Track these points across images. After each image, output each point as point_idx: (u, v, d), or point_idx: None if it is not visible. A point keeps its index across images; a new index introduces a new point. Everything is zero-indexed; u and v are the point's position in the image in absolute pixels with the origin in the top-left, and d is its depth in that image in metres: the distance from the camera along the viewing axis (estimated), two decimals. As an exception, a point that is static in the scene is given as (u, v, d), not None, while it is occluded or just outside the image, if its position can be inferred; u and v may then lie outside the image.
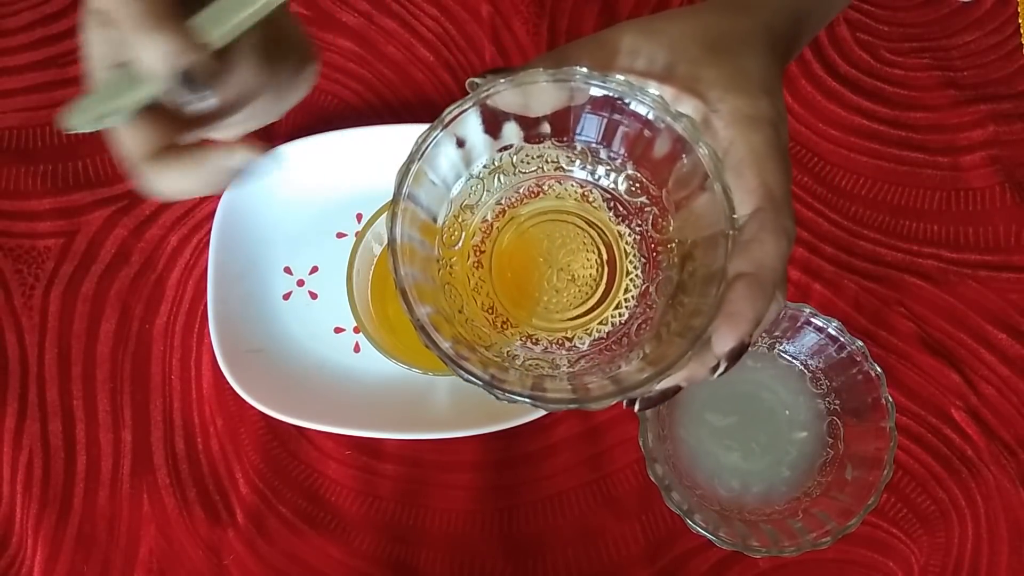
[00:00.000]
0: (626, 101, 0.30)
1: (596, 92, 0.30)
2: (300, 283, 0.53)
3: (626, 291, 0.33)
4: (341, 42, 0.55)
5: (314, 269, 0.53)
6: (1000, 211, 0.52)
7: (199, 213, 0.53)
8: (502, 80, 0.29)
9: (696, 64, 0.31)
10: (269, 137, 0.53)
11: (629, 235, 0.33)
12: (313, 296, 0.53)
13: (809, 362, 0.49)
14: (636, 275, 0.33)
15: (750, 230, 0.29)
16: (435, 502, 0.50)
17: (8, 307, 0.53)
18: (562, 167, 0.33)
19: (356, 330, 0.52)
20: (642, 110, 0.30)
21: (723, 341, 0.28)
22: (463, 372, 0.28)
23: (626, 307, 0.33)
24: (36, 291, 0.53)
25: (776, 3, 0.34)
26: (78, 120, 0.27)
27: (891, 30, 0.55)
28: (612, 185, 0.33)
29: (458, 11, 0.55)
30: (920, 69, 0.54)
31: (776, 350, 0.49)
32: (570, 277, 0.34)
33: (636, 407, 0.31)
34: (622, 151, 0.32)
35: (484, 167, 0.33)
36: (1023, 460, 0.49)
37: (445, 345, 0.29)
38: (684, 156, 0.29)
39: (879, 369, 0.45)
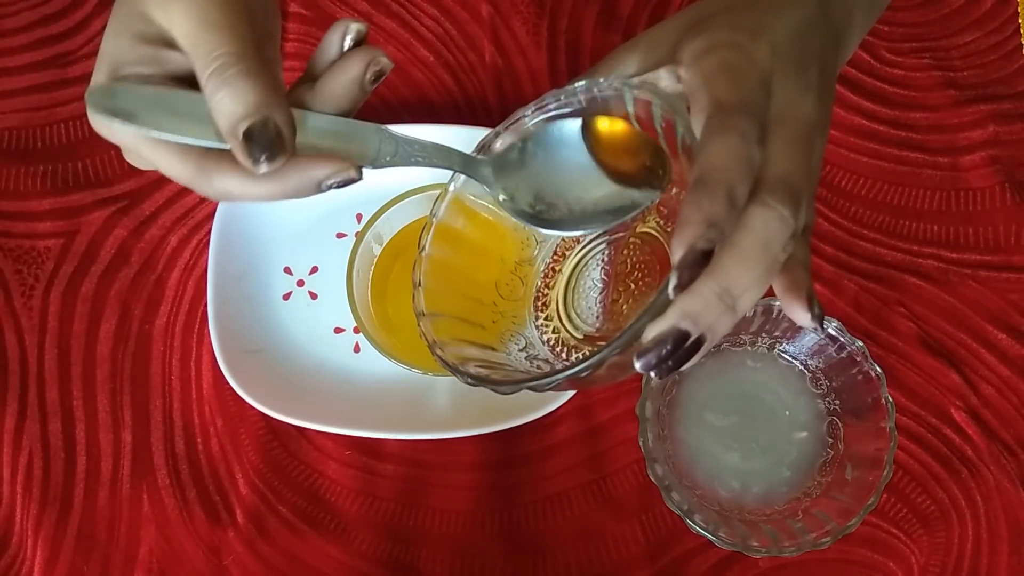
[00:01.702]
0: (599, 100, 0.31)
1: (569, 105, 0.32)
2: (300, 283, 0.53)
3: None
4: (341, 42, 0.55)
5: (314, 269, 0.53)
6: (1000, 211, 0.52)
7: (199, 213, 0.53)
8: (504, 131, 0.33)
9: (675, 44, 0.31)
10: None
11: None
12: (313, 296, 0.53)
13: (809, 362, 0.49)
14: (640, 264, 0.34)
15: (699, 140, 0.27)
16: (435, 502, 0.50)
17: (8, 307, 0.53)
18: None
19: (356, 330, 0.52)
20: (614, 100, 0.31)
21: (675, 251, 0.25)
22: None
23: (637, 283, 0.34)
24: (36, 291, 0.53)
25: None
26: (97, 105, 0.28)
27: (891, 30, 0.55)
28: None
29: (458, 11, 0.55)
30: (920, 69, 0.54)
31: (776, 350, 0.49)
32: (630, 290, 0.34)
33: (637, 364, 0.26)
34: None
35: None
36: (1023, 460, 0.49)
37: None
38: (658, 123, 0.30)
39: (879, 369, 0.45)
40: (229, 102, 0.27)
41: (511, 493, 0.50)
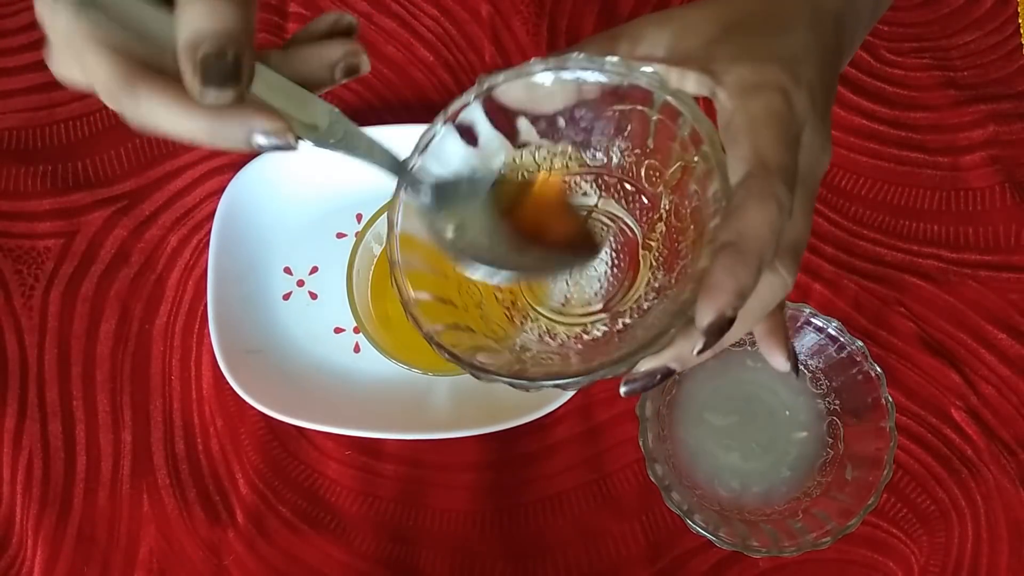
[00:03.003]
0: (627, 86, 0.29)
1: (592, 77, 0.29)
2: (300, 283, 0.53)
3: (647, 284, 0.33)
4: (341, 42, 0.55)
5: (314, 269, 0.53)
6: (1000, 211, 0.52)
7: (199, 213, 0.53)
8: (502, 73, 0.29)
9: (711, 43, 0.30)
10: (269, 137, 0.53)
11: (651, 228, 0.33)
12: (313, 296, 0.53)
13: (809, 362, 0.49)
14: (658, 268, 0.33)
15: (737, 199, 0.27)
16: (435, 502, 0.50)
17: (8, 307, 0.53)
18: (586, 163, 0.33)
19: (356, 330, 0.52)
20: (642, 91, 0.29)
21: (701, 314, 0.26)
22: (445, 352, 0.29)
23: (646, 300, 0.33)
24: (36, 291, 0.53)
25: None
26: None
27: (891, 30, 0.55)
28: (631, 177, 0.32)
29: (458, 11, 0.55)
30: (920, 69, 0.54)
31: (776, 350, 0.49)
32: (592, 272, 0.33)
33: (623, 389, 0.29)
34: (635, 141, 0.32)
35: (504, 163, 0.33)
36: (1023, 460, 0.49)
37: (428, 328, 0.30)
38: (678, 132, 0.29)
39: (879, 369, 0.45)
40: (203, 16, 0.24)
41: (511, 493, 0.50)
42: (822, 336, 0.47)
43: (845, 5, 0.33)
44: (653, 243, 0.33)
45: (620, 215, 0.33)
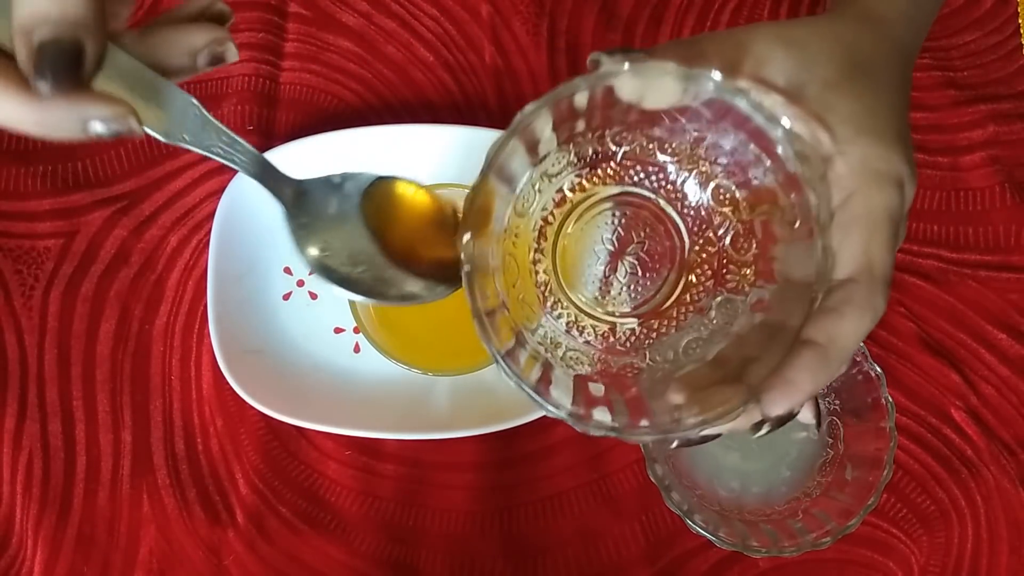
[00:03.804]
0: (751, 119, 0.27)
1: (724, 101, 0.27)
2: (300, 283, 0.53)
3: (689, 300, 0.32)
4: (341, 42, 0.55)
5: (314, 269, 0.53)
6: (1000, 211, 0.52)
7: (199, 213, 0.53)
8: (627, 65, 0.27)
9: (829, 89, 0.28)
10: (268, 137, 0.53)
11: (703, 245, 0.32)
12: (313, 296, 0.53)
13: (809, 362, 0.49)
14: (702, 286, 0.32)
15: (836, 299, 0.26)
16: (435, 502, 0.50)
17: (8, 308, 0.53)
18: (655, 156, 0.32)
19: (356, 330, 0.52)
20: (764, 134, 0.27)
21: (773, 405, 0.26)
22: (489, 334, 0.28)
23: (683, 315, 0.32)
24: (36, 292, 0.53)
25: (903, 8, 0.31)
26: None
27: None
28: (700, 190, 0.31)
29: (458, 11, 0.55)
30: (920, 69, 0.54)
31: (776, 350, 0.49)
32: (634, 272, 0.33)
33: (673, 446, 0.30)
34: (725, 161, 0.30)
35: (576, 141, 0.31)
36: (1023, 460, 0.49)
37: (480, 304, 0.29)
38: (792, 195, 0.27)
39: (879, 369, 0.45)
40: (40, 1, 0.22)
41: (511, 493, 0.50)
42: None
43: (914, 43, 0.32)
44: (701, 259, 0.32)
45: (672, 217, 0.32)
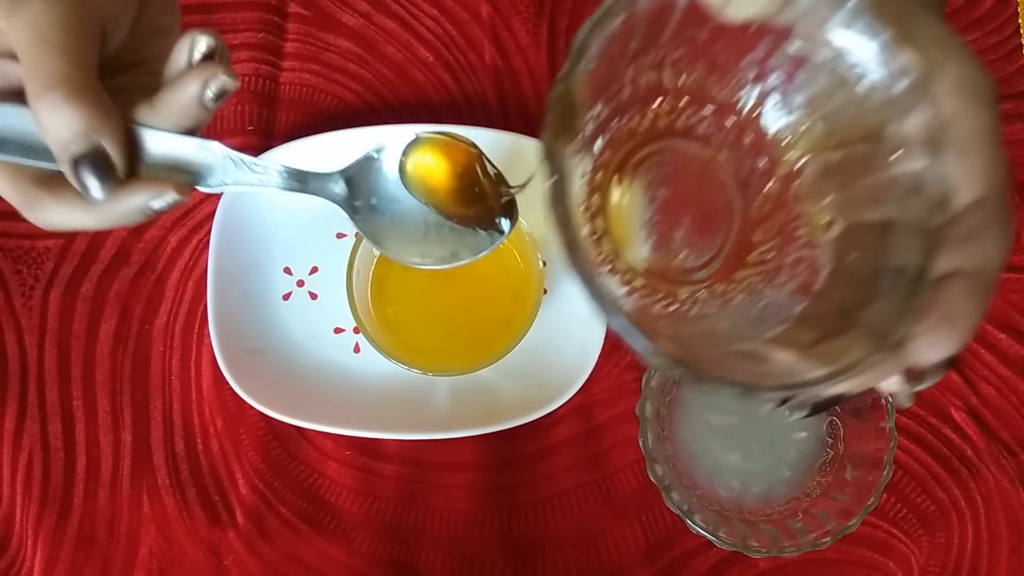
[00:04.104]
0: (833, 34, 0.24)
1: (809, 8, 0.24)
2: (300, 283, 0.53)
3: (757, 261, 0.28)
4: (341, 42, 0.55)
5: (314, 269, 0.53)
6: (1000, 211, 0.52)
7: (199, 213, 0.53)
8: None
9: (909, 12, 0.26)
10: (268, 137, 0.53)
11: (767, 198, 0.28)
12: (313, 296, 0.53)
13: (809, 362, 0.49)
14: (770, 244, 0.28)
15: (971, 223, 0.24)
16: (435, 502, 0.50)
17: (8, 308, 0.53)
18: (715, 92, 0.28)
19: (356, 330, 0.52)
20: (863, 47, 0.24)
21: (935, 349, 0.23)
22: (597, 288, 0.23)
23: (753, 276, 0.28)
24: (36, 292, 0.53)
25: None
26: None
27: (891, 30, 0.55)
28: (763, 132, 0.28)
29: (458, 11, 0.55)
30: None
31: (776, 350, 0.49)
32: (691, 232, 0.30)
33: (803, 414, 0.25)
34: (800, 95, 0.27)
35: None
36: (1023, 460, 0.49)
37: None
38: (893, 122, 0.24)
39: (879, 369, 0.45)
40: (55, 126, 0.26)
41: (511, 493, 0.50)
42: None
43: None
44: (765, 215, 0.28)
45: (730, 169, 0.29)
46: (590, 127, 0.28)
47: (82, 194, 0.27)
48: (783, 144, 0.28)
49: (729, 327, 0.28)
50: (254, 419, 0.51)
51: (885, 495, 0.48)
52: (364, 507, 0.50)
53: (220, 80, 0.28)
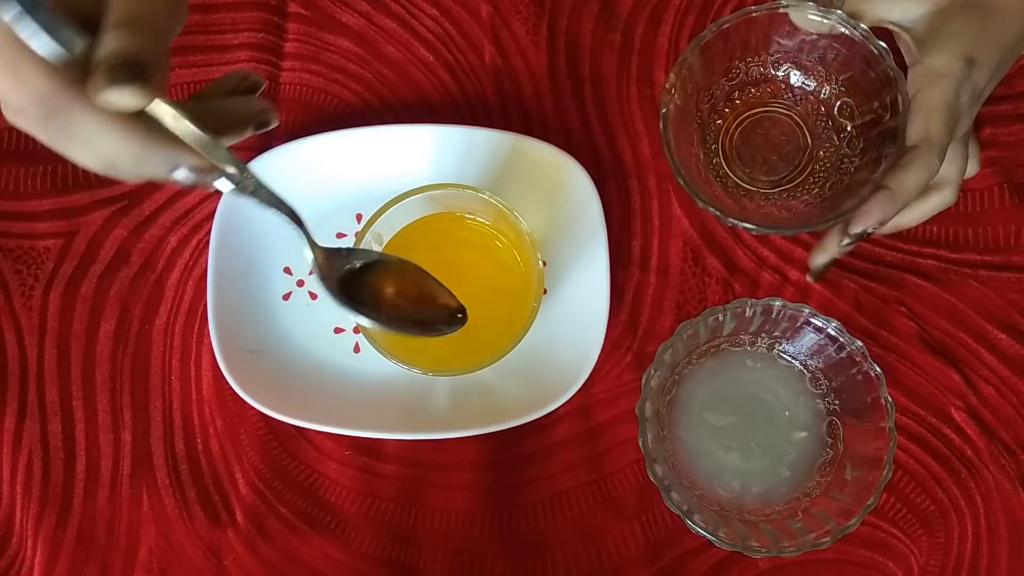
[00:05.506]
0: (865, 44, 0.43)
1: (846, 32, 0.44)
2: (300, 283, 0.53)
3: (813, 181, 0.49)
4: (341, 42, 0.55)
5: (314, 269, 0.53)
6: (999, 212, 0.52)
7: (199, 213, 0.53)
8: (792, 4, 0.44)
9: (928, 18, 0.40)
10: (269, 137, 0.53)
11: (827, 144, 0.49)
12: (313, 296, 0.53)
13: (808, 362, 0.49)
14: (823, 171, 0.49)
15: (905, 160, 0.39)
16: (435, 502, 0.50)
17: (7, 308, 0.53)
18: (800, 81, 0.49)
19: (356, 330, 0.52)
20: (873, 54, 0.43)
21: (854, 225, 0.40)
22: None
23: (809, 186, 0.49)
24: (35, 292, 0.53)
25: None
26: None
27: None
28: (826, 104, 0.49)
29: (458, 11, 0.55)
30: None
31: (776, 350, 0.49)
32: (775, 159, 0.50)
33: (810, 276, 0.45)
34: (844, 81, 0.47)
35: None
36: (1023, 460, 0.49)
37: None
38: (887, 96, 0.43)
39: (879, 369, 0.45)
40: (119, 40, 0.27)
41: (511, 493, 0.50)
42: (821, 336, 0.47)
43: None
44: (823, 155, 0.49)
45: (803, 124, 0.49)
46: (718, 93, 0.50)
47: (101, 87, 0.27)
48: (837, 112, 0.49)
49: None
50: (254, 419, 0.51)
51: (885, 495, 0.48)
52: (364, 507, 0.50)
53: (272, 116, 0.34)
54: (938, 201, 0.45)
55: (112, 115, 0.28)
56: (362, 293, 0.38)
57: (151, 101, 0.28)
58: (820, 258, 0.44)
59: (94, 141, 0.28)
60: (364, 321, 0.37)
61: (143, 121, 0.29)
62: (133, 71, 0.27)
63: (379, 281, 0.40)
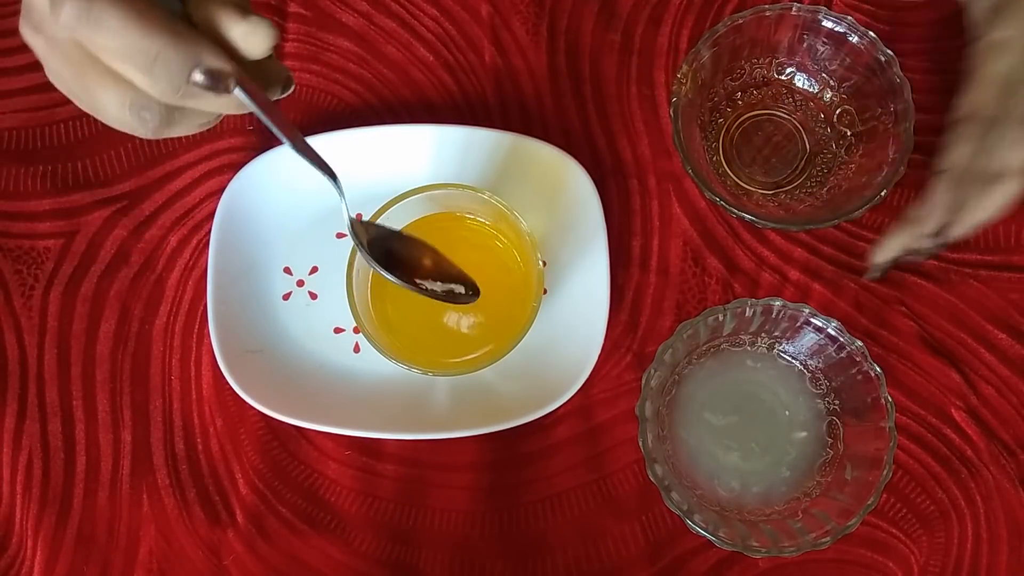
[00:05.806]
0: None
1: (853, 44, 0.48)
2: (300, 283, 0.53)
3: (809, 184, 0.51)
4: (341, 42, 0.55)
5: (314, 269, 0.53)
6: (1000, 211, 0.52)
7: (199, 213, 0.53)
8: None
9: (987, 11, 0.42)
10: (268, 137, 0.53)
11: (824, 149, 0.51)
12: (313, 296, 0.53)
13: (809, 362, 0.49)
14: (819, 175, 0.51)
15: (950, 138, 0.41)
16: (435, 502, 0.50)
17: (8, 307, 0.53)
18: (803, 85, 0.52)
19: (356, 330, 0.52)
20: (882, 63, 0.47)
21: (928, 220, 0.43)
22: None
23: (807, 187, 0.52)
24: (36, 291, 0.53)
25: None
26: None
27: (891, 30, 0.55)
28: (826, 113, 0.51)
29: (458, 11, 0.55)
30: (919, 72, 0.54)
31: (776, 350, 0.49)
32: (773, 160, 0.52)
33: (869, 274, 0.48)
34: (843, 82, 0.50)
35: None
36: (1023, 460, 0.49)
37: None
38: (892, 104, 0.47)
39: (879, 369, 0.45)
40: None
41: (511, 493, 0.50)
42: (821, 336, 0.47)
43: None
44: (821, 160, 0.51)
45: (802, 130, 0.52)
46: (721, 92, 0.52)
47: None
48: (836, 120, 0.51)
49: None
50: (254, 419, 0.51)
51: (885, 495, 0.48)
52: (364, 507, 0.50)
53: (292, 79, 0.34)
54: (1002, 192, 0.42)
55: (140, 5, 0.27)
56: (386, 260, 0.42)
57: None
58: (883, 255, 0.45)
59: (117, 33, 0.27)
60: (391, 277, 0.41)
61: (168, 17, 0.28)
62: None
63: (402, 249, 0.43)
